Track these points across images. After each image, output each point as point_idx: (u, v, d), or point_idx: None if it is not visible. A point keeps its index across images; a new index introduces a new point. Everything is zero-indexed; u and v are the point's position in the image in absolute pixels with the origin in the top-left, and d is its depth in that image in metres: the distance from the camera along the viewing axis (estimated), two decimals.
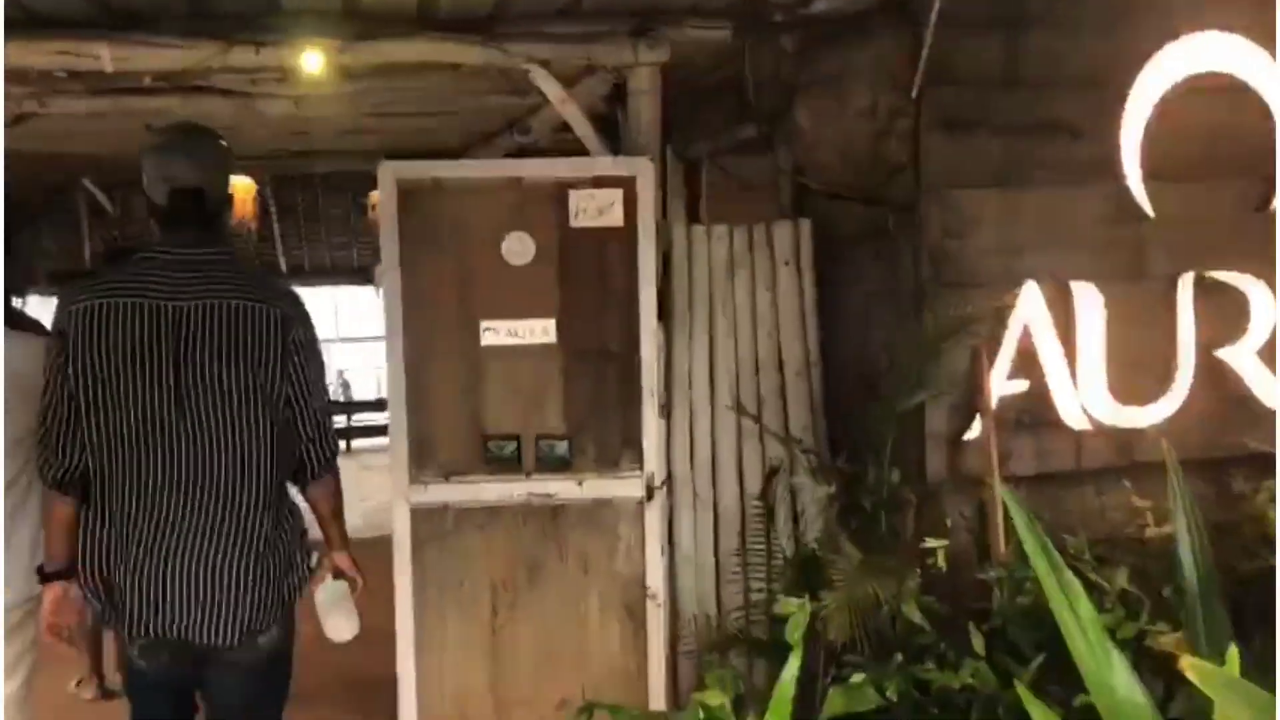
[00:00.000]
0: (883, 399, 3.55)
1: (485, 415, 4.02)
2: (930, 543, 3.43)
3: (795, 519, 4.25)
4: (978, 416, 3.59)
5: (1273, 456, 3.90)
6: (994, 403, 3.57)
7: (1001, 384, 3.62)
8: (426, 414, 4.00)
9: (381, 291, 3.99)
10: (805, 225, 4.50)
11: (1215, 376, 3.85)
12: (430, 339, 3.99)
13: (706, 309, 4.40)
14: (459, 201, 3.98)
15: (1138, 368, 3.78)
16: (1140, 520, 3.71)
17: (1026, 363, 3.67)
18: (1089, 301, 3.67)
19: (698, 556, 4.31)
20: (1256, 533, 3.64)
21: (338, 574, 3.14)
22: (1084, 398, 3.69)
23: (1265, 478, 3.77)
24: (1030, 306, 3.62)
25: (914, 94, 3.59)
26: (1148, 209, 3.73)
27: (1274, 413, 3.89)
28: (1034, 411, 3.71)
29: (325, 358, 3.09)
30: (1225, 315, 3.84)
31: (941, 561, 3.41)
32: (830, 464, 3.77)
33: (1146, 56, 3.68)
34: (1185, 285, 3.77)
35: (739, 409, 4.19)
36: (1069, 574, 2.40)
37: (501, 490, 4.01)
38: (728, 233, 4.46)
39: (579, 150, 4.47)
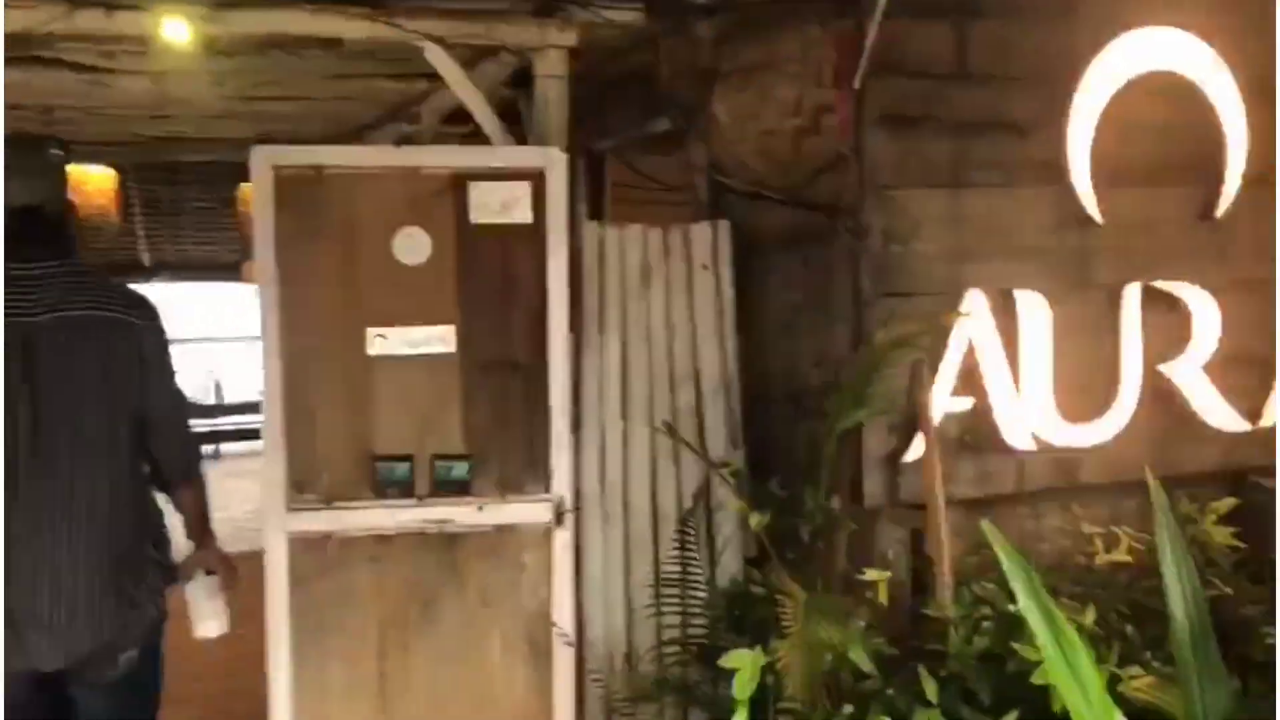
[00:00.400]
0: (825, 418, 3.23)
1: (374, 433, 3.59)
2: (870, 574, 3.13)
3: (711, 546, 3.92)
4: (918, 436, 3.29)
5: (1219, 476, 3.73)
6: (936, 421, 3.28)
7: (944, 401, 3.34)
8: (307, 431, 3.55)
9: (255, 291, 3.51)
10: (724, 227, 4.18)
11: (1160, 393, 3.64)
12: (312, 346, 3.54)
13: (619, 316, 4.04)
14: (345, 193, 3.54)
15: (1082, 384, 3.55)
16: (1086, 547, 3.47)
17: (970, 379, 3.39)
18: (1034, 313, 3.42)
19: (607, 587, 3.94)
20: (1203, 559, 3.44)
21: (208, 570, 3.19)
22: (1028, 416, 3.43)
23: (1211, 498, 3.58)
24: (975, 318, 3.35)
25: (856, 85, 3.28)
26: (1096, 214, 3.50)
27: (1219, 431, 3.71)
28: (976, 431, 3.44)
29: (192, 359, 2.80)
30: (1170, 328, 3.64)
31: (882, 595, 3.11)
32: (752, 488, 3.43)
33: (1097, 51, 3.44)
34: (1131, 296, 3.55)
35: (670, 431, 3.84)
36: (1064, 623, 2.11)
37: (392, 517, 3.58)
38: (641, 234, 4.10)
39: (473, 144, 4.06)
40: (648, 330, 4.09)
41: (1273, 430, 3.75)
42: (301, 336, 3.52)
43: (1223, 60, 3.59)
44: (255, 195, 3.49)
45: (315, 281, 3.52)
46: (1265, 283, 3.76)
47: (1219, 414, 3.69)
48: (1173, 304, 3.63)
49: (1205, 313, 3.62)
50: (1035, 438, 3.47)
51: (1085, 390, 3.56)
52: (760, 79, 4.22)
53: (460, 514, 3.61)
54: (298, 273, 3.50)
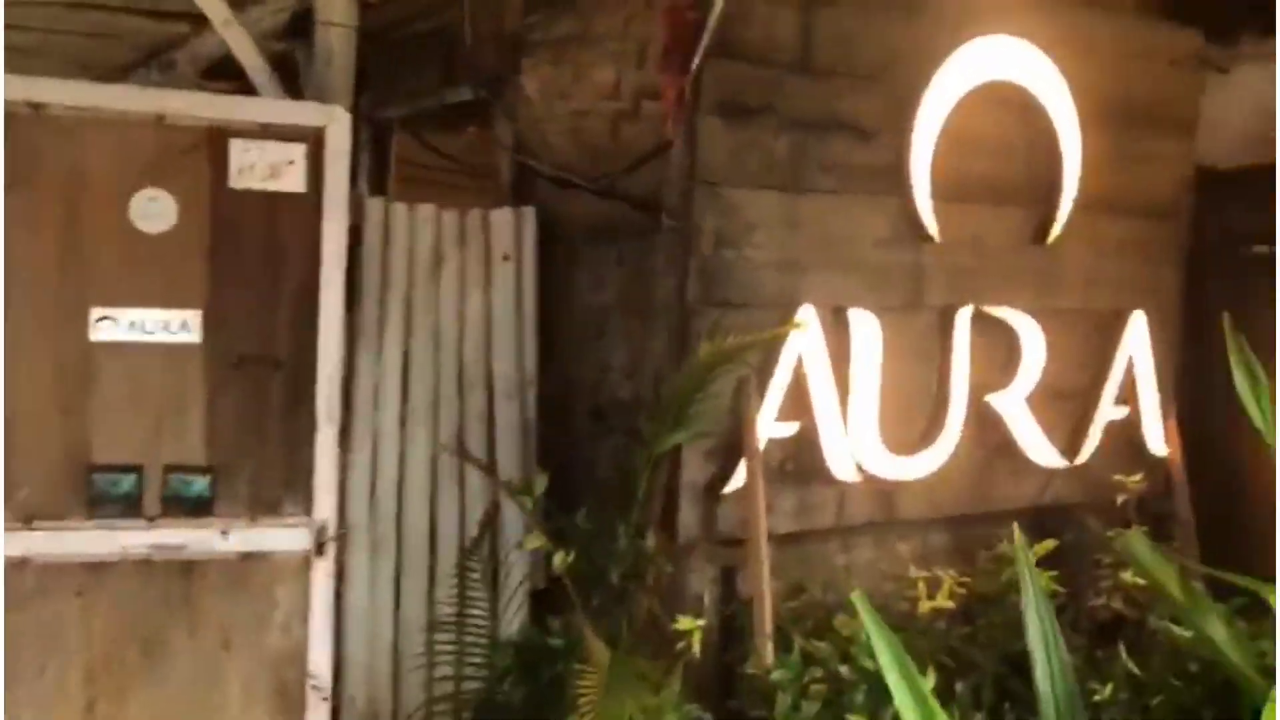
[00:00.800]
0: (639, 439, 2.82)
1: (92, 436, 2.94)
2: (682, 624, 2.74)
3: (495, 584, 3.44)
4: (741, 463, 2.94)
5: (1032, 513, 3.56)
6: (761, 447, 2.94)
7: (770, 425, 2.99)
8: (4, 432, 2.85)
9: None
10: (529, 214, 3.73)
11: (983, 424, 3.43)
12: (16, 326, 2.85)
13: (402, 309, 3.51)
14: (70, 139, 2.89)
15: (909, 412, 3.30)
16: (908, 590, 3.21)
17: (796, 402, 3.06)
18: (867, 333, 3.13)
19: (373, 629, 3.41)
20: None
21: None
22: (854, 445, 3.14)
23: (1035, 536, 3.39)
24: (806, 335, 3.02)
25: (692, 67, 2.88)
26: (933, 230, 3.24)
27: (1036, 466, 3.54)
28: (800, 459, 3.12)
29: None
30: (996, 356, 3.44)
31: (695, 647, 2.73)
32: (553, 518, 2.98)
33: (945, 54, 3.19)
34: (963, 320, 3.32)
35: (460, 452, 3.35)
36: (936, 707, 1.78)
37: (111, 540, 2.95)
38: (435, 216, 3.60)
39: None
40: (436, 326, 3.59)
41: (1086, 468, 3.63)
42: (3, 313, 2.84)
43: (1064, 79, 3.41)
44: None
45: (25, 246, 2.84)
46: (1085, 314, 3.63)
47: (1039, 448, 3.51)
48: (1001, 331, 3.43)
49: (1033, 341, 3.43)
50: (860, 468, 3.18)
51: (910, 419, 3.32)
52: (575, 54, 3.79)
53: (199, 538, 3.00)
54: (3, 234, 2.81)
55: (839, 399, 3.10)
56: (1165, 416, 3.73)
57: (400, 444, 3.53)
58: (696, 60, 2.88)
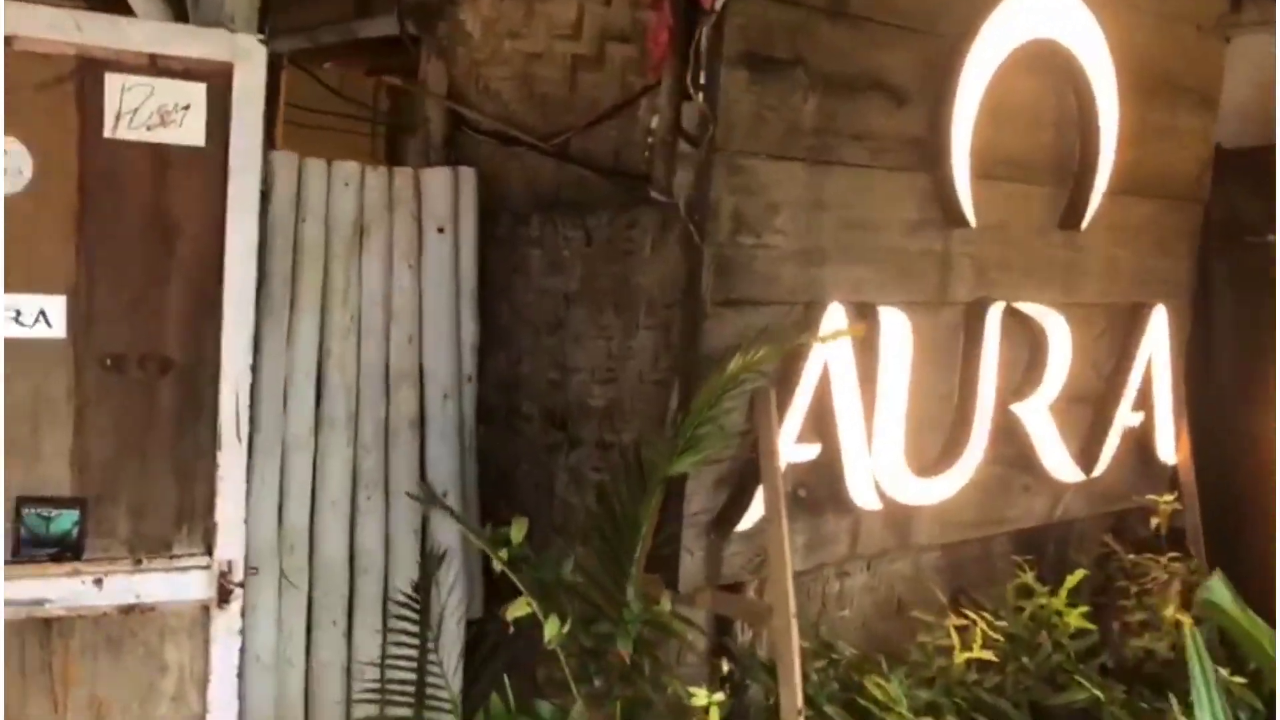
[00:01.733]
0: (637, 465, 2.28)
1: None
2: (697, 698, 2.22)
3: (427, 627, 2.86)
4: (758, 493, 2.42)
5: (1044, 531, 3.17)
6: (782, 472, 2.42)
7: (790, 448, 2.48)
8: None
9: None
10: (469, 176, 3.12)
11: (1003, 436, 2.99)
12: None
13: (317, 291, 2.86)
14: None
15: (927, 425, 2.83)
16: (929, 633, 2.77)
17: (816, 419, 2.55)
18: (897, 333, 2.63)
19: (281, 676, 2.79)
20: (1051, 643, 2.84)
21: None
22: (878, 467, 2.65)
23: (1062, 570, 2.99)
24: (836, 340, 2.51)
25: (716, 6, 2.30)
26: (970, 214, 2.76)
27: (1054, 482, 3.14)
28: (814, 485, 2.62)
29: None
30: (1018, 358, 3.00)
31: None
32: (538, 567, 2.39)
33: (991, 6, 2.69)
34: (994, 317, 2.86)
35: (429, 498, 2.76)
36: None
37: None
38: (358, 176, 2.94)
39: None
40: (357, 312, 2.94)
41: (1097, 481, 3.25)
42: None
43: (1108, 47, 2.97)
44: None
45: None
46: (1105, 309, 3.23)
47: (1059, 461, 3.11)
48: (1025, 329, 2.99)
49: (1060, 341, 3.01)
50: (883, 494, 2.70)
51: (929, 434, 2.85)
52: None
53: (63, 589, 2.32)
54: None
55: (865, 414, 2.60)
56: (1178, 421, 3.38)
57: (314, 453, 2.90)
58: None
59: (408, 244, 3.04)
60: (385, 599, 3.04)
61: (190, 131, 2.35)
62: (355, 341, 2.96)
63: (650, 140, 2.69)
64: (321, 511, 2.91)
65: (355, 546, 2.96)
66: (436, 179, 3.09)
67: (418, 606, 2.68)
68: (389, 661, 2.84)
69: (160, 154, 2.34)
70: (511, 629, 2.27)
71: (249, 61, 2.36)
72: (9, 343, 2.25)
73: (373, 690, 2.72)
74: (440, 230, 3.07)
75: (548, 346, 3.03)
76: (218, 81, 2.35)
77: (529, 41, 3.16)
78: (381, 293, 3.00)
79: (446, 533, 3.11)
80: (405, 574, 3.08)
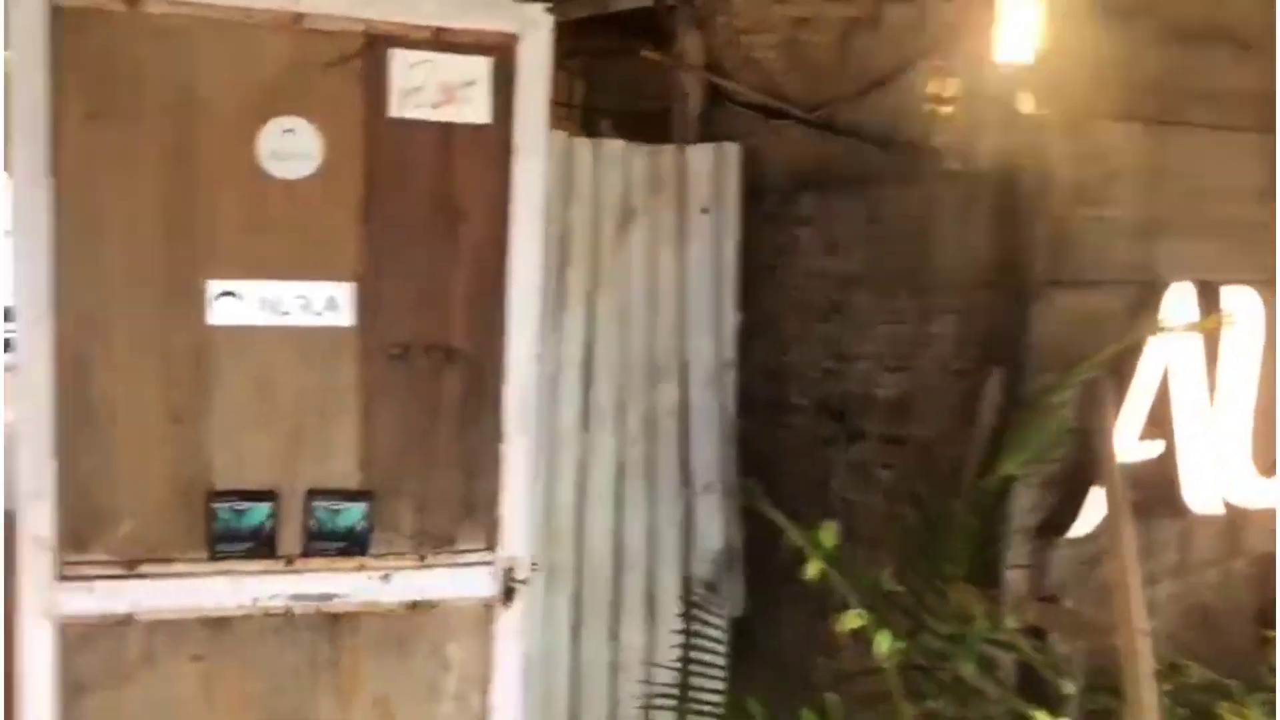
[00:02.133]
0: (958, 466, 2.04)
1: (212, 454, 2.18)
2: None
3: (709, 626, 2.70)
4: (1091, 495, 2.16)
5: None
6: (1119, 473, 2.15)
7: (1129, 445, 2.20)
8: (94, 449, 2.12)
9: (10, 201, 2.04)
10: (732, 153, 2.94)
11: None
12: (108, 306, 2.09)
13: (588, 279, 2.74)
14: (177, 48, 2.09)
15: (1268, 419, 2.49)
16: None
17: (1154, 414, 2.26)
18: (1248, 316, 2.31)
19: (549, 675, 2.70)
20: None
21: None
22: (1222, 466, 2.34)
23: None
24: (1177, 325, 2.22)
25: None
26: None
27: None
28: (1148, 488, 2.33)
29: None
30: None
31: None
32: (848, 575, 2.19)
33: None
34: None
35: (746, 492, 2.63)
36: None
37: (238, 589, 2.21)
38: (622, 156, 2.80)
39: None
40: (623, 301, 2.82)
41: None
42: (90, 288, 2.08)
43: None
44: (12, 37, 1.99)
45: (119, 197, 2.07)
46: None
47: None
48: None
49: None
50: (1220, 496, 2.39)
51: (1268, 428, 2.51)
52: None
53: (352, 584, 2.26)
54: (89, 180, 2.04)
55: (1208, 408, 2.30)
56: None
57: (581, 449, 2.79)
58: None
59: (672, 226, 2.89)
60: (650, 594, 2.93)
61: (474, 109, 2.24)
62: (618, 333, 2.84)
63: (937, 107, 2.45)
64: (590, 506, 2.81)
65: (620, 541, 2.85)
66: (701, 156, 2.93)
67: (702, 605, 2.51)
68: (665, 662, 2.71)
69: (444, 134, 2.23)
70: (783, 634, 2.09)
71: (536, 32, 2.23)
72: (304, 331, 2.19)
73: (656, 694, 2.57)
74: (704, 211, 2.92)
75: (821, 333, 2.83)
76: (503, 55, 2.23)
77: (797, 5, 2.95)
78: (646, 278, 2.87)
79: (710, 527, 2.97)
80: (669, 569, 2.96)
